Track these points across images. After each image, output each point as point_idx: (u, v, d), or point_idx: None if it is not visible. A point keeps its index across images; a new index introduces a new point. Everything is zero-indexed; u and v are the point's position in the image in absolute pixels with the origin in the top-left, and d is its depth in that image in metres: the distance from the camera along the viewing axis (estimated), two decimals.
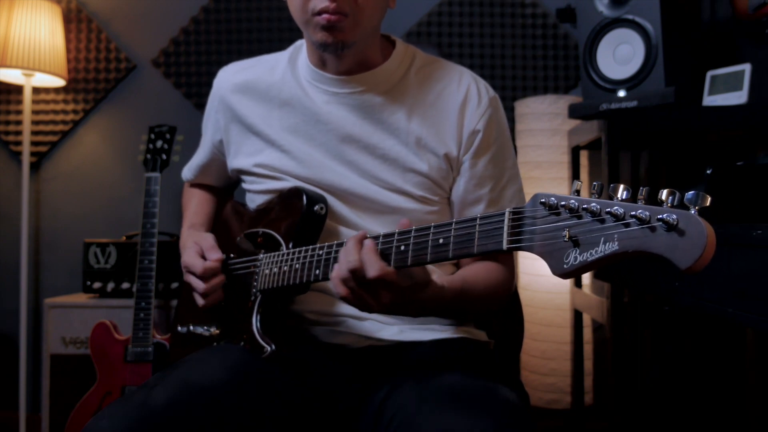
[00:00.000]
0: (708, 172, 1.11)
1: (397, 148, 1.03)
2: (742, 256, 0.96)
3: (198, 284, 1.05)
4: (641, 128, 1.54)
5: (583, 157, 2.02)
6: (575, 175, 1.91)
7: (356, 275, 0.80)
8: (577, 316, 1.91)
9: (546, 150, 1.99)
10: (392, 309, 0.83)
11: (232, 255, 1.11)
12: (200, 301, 1.06)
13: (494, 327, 1.13)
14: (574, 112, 1.71)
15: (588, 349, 1.98)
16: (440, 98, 1.06)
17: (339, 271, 0.82)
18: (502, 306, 1.13)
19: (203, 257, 1.06)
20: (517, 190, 1.08)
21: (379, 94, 1.06)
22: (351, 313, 1.03)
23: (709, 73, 1.60)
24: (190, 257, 1.07)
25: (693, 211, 0.55)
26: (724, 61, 1.63)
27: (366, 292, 0.81)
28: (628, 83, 1.60)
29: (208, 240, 1.09)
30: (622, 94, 1.61)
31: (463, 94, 1.05)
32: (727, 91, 1.54)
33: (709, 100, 1.58)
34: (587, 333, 1.97)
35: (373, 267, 0.78)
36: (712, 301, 1.02)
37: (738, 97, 1.51)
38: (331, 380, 0.99)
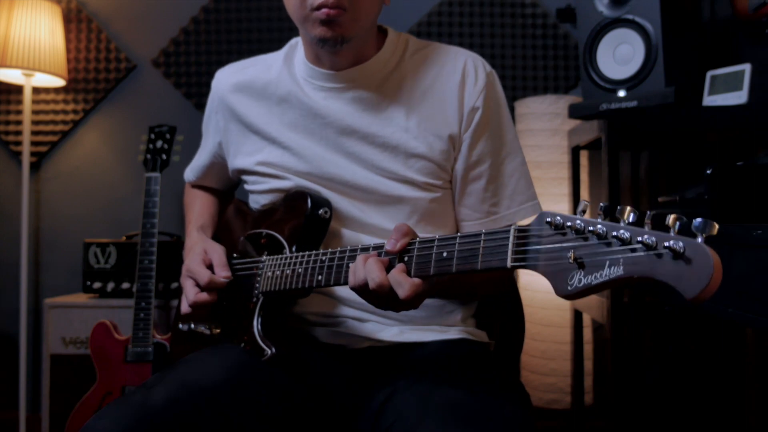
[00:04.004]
0: (708, 172, 1.11)
1: (397, 135, 1.03)
2: (742, 256, 0.96)
3: (192, 292, 1.03)
4: (641, 128, 1.54)
5: (583, 157, 2.02)
6: (575, 175, 1.91)
7: (382, 290, 0.79)
8: (577, 316, 1.91)
9: (546, 150, 1.99)
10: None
11: (234, 255, 1.11)
12: (185, 308, 1.04)
13: (495, 328, 1.13)
14: (574, 112, 1.71)
15: (588, 349, 1.98)
16: (438, 80, 1.05)
17: (358, 283, 0.81)
18: (505, 289, 1.13)
19: (210, 267, 1.05)
20: (518, 164, 1.07)
21: (375, 85, 1.05)
22: (351, 314, 1.03)
23: (709, 73, 1.60)
24: (196, 264, 1.05)
25: (700, 239, 0.54)
26: (724, 61, 1.63)
27: (389, 301, 0.80)
28: (628, 83, 1.60)
29: (221, 255, 1.06)
30: (622, 94, 1.61)
31: (460, 72, 1.05)
32: (727, 91, 1.54)
33: (709, 100, 1.58)
34: (587, 333, 1.97)
35: (403, 288, 0.77)
36: (712, 301, 1.02)
37: (738, 97, 1.51)
38: (331, 381, 0.99)
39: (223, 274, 1.03)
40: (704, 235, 0.55)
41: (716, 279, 0.53)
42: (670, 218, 0.56)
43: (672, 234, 0.56)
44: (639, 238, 0.56)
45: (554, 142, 1.99)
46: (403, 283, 0.77)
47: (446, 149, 1.03)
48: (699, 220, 0.55)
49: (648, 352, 1.92)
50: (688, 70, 1.64)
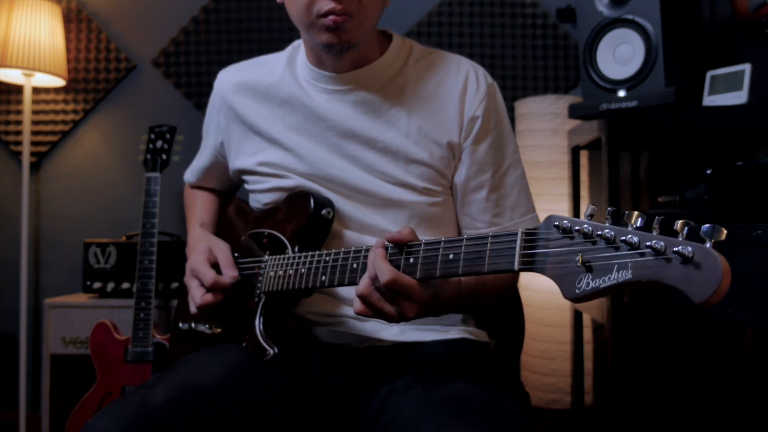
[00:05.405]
0: (708, 172, 1.11)
1: (398, 140, 1.04)
2: (742, 256, 0.96)
3: (199, 293, 1.03)
4: (641, 128, 1.54)
5: (583, 157, 2.02)
6: (575, 175, 1.91)
7: (375, 284, 0.79)
8: (577, 316, 1.91)
9: (546, 150, 1.99)
10: (417, 317, 0.82)
11: (236, 254, 1.11)
12: (193, 309, 1.04)
13: (495, 327, 1.13)
14: (574, 112, 1.71)
15: (588, 349, 1.98)
16: (440, 87, 1.06)
17: (359, 286, 0.82)
18: (505, 299, 1.14)
19: (215, 265, 1.05)
20: (518, 176, 1.08)
21: (378, 88, 1.06)
22: (352, 314, 1.03)
23: (709, 73, 1.60)
24: (200, 263, 1.04)
25: (708, 244, 0.54)
26: (724, 61, 1.63)
27: (386, 303, 0.80)
28: (628, 83, 1.60)
29: (226, 254, 1.06)
30: (622, 94, 1.61)
31: (462, 81, 1.05)
32: (727, 91, 1.54)
33: (709, 100, 1.58)
34: (587, 333, 1.97)
35: (383, 272, 0.77)
36: None
37: (738, 97, 1.51)
38: (331, 380, 0.99)
39: (230, 274, 1.02)
40: (713, 240, 0.55)
41: (725, 284, 0.53)
42: (678, 223, 0.56)
43: (680, 239, 0.56)
44: (648, 243, 0.57)
45: (554, 142, 1.99)
46: (382, 269, 0.78)
47: (446, 156, 1.04)
48: (707, 226, 0.55)
49: (648, 352, 1.92)
50: (688, 70, 1.64)
